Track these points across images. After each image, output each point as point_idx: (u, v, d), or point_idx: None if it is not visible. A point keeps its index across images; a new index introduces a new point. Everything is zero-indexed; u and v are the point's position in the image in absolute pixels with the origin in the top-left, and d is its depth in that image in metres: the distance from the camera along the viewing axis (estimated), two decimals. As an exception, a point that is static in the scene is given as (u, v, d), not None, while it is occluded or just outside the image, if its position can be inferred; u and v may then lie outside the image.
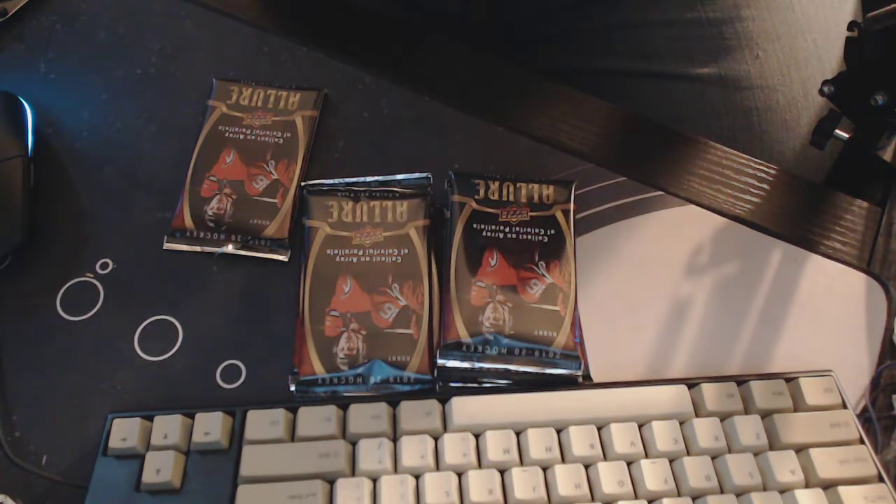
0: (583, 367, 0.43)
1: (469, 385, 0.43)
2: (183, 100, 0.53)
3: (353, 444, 0.40)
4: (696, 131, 0.54)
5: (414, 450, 0.39)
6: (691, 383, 0.42)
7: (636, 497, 0.39)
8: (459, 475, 0.39)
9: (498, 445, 0.40)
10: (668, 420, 0.41)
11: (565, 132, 0.53)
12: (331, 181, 0.49)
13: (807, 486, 0.40)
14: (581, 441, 0.40)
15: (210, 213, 0.48)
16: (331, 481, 0.39)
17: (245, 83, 0.53)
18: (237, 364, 0.44)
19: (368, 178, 0.49)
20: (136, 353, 0.44)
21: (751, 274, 0.48)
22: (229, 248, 0.47)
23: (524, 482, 0.38)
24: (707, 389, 0.42)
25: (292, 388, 0.42)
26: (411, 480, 0.39)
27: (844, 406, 0.42)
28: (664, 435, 0.40)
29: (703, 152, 0.53)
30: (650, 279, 0.48)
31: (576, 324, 0.44)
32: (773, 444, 0.41)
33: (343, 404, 0.41)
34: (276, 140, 0.50)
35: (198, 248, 0.47)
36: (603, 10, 0.60)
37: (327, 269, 0.45)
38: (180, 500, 0.38)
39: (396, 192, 0.48)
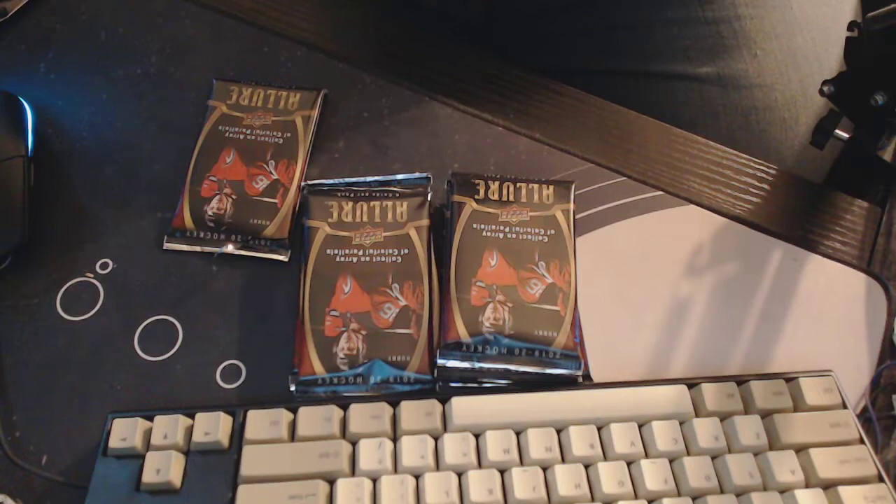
0: (583, 367, 0.43)
1: (469, 385, 0.43)
2: (183, 100, 0.53)
3: (354, 444, 0.40)
4: (695, 131, 0.54)
5: (414, 450, 0.39)
6: (691, 383, 0.42)
7: (636, 497, 0.39)
8: (459, 475, 0.39)
9: (498, 445, 0.40)
10: (668, 420, 0.41)
11: (565, 132, 0.53)
12: (331, 181, 0.49)
13: (807, 486, 0.40)
14: (581, 441, 0.40)
15: (210, 213, 0.48)
16: (331, 481, 0.39)
17: (245, 83, 0.53)
18: (237, 364, 0.44)
19: (368, 178, 0.49)
20: (136, 353, 0.44)
21: (751, 274, 0.48)
22: (229, 248, 0.47)
23: (524, 482, 0.38)
24: (707, 389, 0.42)
25: (292, 388, 0.42)
26: (411, 480, 0.39)
27: (844, 406, 0.42)
28: (664, 435, 0.40)
29: (703, 152, 0.53)
30: (650, 279, 0.47)
31: (576, 324, 0.44)
32: (773, 444, 0.41)
33: (343, 404, 0.41)
34: (276, 140, 0.50)
35: (198, 248, 0.47)
36: (603, 10, 0.60)
37: (327, 269, 0.45)
38: (180, 500, 0.38)
39: (396, 192, 0.48)
